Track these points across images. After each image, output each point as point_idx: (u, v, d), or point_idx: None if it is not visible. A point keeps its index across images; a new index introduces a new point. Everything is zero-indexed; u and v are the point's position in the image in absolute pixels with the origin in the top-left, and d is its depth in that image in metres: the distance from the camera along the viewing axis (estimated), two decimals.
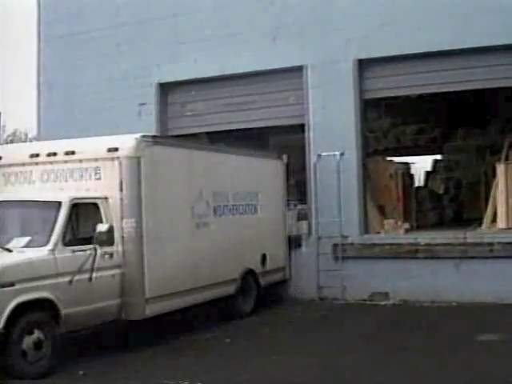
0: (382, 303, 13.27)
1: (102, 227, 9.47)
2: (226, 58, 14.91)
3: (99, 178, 10.07)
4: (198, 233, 11.41)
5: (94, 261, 9.37)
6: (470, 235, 13.27)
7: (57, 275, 8.95)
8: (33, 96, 17.08)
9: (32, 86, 17.20)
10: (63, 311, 8.95)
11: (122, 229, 9.89)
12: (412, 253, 13.38)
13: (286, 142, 16.01)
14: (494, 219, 13.71)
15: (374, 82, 14.12)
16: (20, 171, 10.56)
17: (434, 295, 12.94)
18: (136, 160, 10.04)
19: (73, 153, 10.27)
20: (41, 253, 8.95)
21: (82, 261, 9.25)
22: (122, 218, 9.92)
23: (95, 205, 9.83)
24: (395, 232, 14.16)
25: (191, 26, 15.30)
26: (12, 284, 8.43)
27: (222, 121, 15.35)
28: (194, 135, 15.47)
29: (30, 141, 30.42)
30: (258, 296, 12.90)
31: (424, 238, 13.63)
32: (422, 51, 13.40)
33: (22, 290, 8.50)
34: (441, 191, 19.06)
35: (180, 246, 10.93)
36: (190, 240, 11.19)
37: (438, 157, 21.32)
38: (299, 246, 14.35)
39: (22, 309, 8.48)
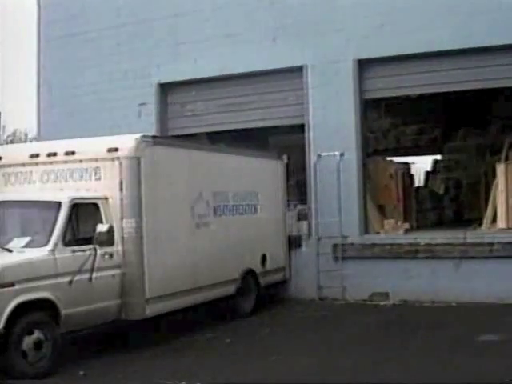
0: (382, 303, 13.27)
1: (102, 227, 9.47)
2: (226, 58, 14.92)
3: (99, 178, 10.07)
4: (198, 233, 11.41)
5: (94, 261, 9.37)
6: (470, 235, 13.27)
7: (57, 275, 8.95)
8: (33, 96, 17.11)
9: (32, 85, 17.23)
10: (63, 311, 8.95)
11: (122, 229, 9.88)
12: (412, 253, 13.38)
13: (286, 142, 16.00)
14: (494, 219, 13.71)
15: (374, 82, 14.12)
16: (20, 171, 10.55)
17: (433, 295, 12.94)
18: (136, 160, 10.04)
19: (73, 153, 10.27)
20: (41, 253, 8.95)
21: (82, 261, 9.25)
22: (122, 218, 9.91)
23: (95, 205, 9.83)
24: (395, 232, 14.16)
25: (191, 26, 15.30)
26: (12, 284, 8.43)
27: (222, 121, 15.35)
28: (193, 135, 15.47)
29: (30, 141, 30.43)
30: (258, 296, 12.90)
31: (424, 238, 13.63)
32: (421, 51, 13.40)
33: (21, 290, 8.50)
34: (441, 191, 19.06)
35: (180, 246, 10.93)
36: (190, 240, 11.19)
37: (438, 157, 21.32)
38: (299, 246, 14.35)
39: (21, 309, 8.48)
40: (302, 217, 14.70)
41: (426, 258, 13.26)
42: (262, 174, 13.56)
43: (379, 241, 13.84)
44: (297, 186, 15.97)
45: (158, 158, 10.54)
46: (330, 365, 8.99)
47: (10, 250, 8.95)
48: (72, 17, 16.47)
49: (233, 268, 12.20)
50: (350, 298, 13.61)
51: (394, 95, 14.98)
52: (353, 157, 13.95)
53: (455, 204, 18.94)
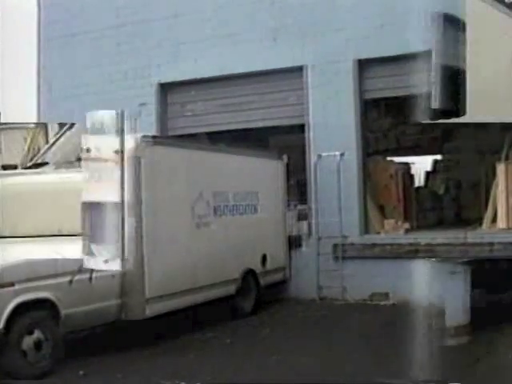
0: (382, 303, 13.27)
1: None
2: (226, 58, 14.91)
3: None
4: (199, 233, 11.41)
5: None
6: (470, 235, 13.25)
7: (57, 275, 8.95)
8: (33, 96, 17.11)
9: (32, 86, 17.22)
10: (63, 311, 8.95)
11: None
12: (412, 253, 13.35)
13: (286, 142, 16.00)
14: (494, 219, 13.70)
15: (374, 82, 14.11)
16: None
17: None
18: (136, 160, 10.03)
19: None
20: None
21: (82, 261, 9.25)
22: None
23: None
24: (395, 232, 14.14)
25: (191, 26, 15.29)
26: (12, 284, 8.43)
27: (222, 121, 15.34)
28: (193, 135, 15.47)
29: None
30: (258, 296, 12.90)
31: (424, 238, 13.62)
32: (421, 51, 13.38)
33: (21, 290, 8.51)
34: (441, 191, 19.02)
35: (180, 246, 10.92)
36: (190, 240, 11.18)
37: (438, 157, 21.30)
38: (299, 246, 14.35)
39: (21, 309, 8.48)
40: (302, 217, 14.70)
41: (427, 257, 13.24)
42: (262, 173, 13.56)
43: (379, 241, 13.84)
44: (297, 186, 15.95)
45: (158, 158, 10.54)
46: (330, 365, 8.99)
47: None
48: (72, 17, 16.47)
49: (233, 268, 12.20)
50: (350, 298, 13.61)
51: (394, 95, 14.97)
52: (353, 157, 13.95)
53: (455, 204, 18.89)
